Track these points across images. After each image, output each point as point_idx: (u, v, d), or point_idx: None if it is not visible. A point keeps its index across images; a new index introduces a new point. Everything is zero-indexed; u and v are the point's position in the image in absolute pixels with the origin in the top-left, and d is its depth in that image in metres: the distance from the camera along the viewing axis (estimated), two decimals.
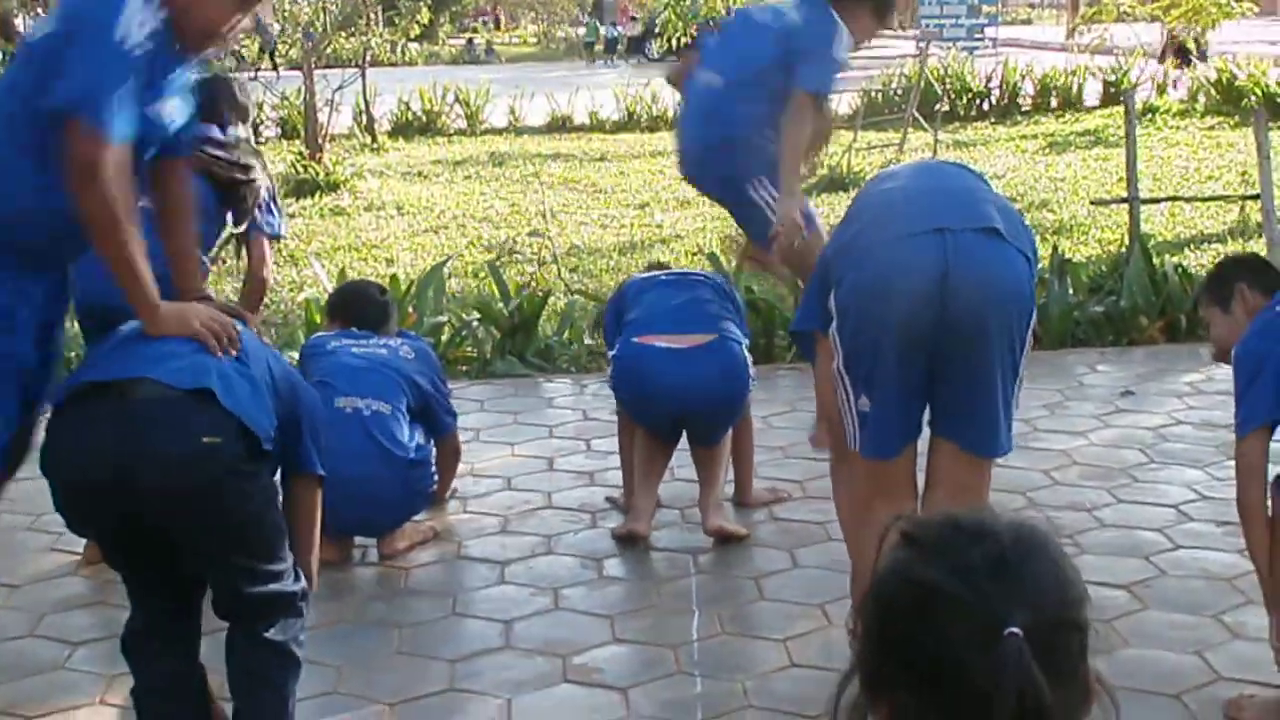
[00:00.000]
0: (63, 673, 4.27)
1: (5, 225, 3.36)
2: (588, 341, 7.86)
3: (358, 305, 5.52)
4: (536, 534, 5.29)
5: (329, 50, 19.00)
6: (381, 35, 20.84)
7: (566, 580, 4.86)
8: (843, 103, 19.42)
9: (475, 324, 8.02)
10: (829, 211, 13.04)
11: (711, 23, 22.01)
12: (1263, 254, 8.96)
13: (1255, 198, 9.73)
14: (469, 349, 7.89)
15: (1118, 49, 23.02)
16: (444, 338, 7.82)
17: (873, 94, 20.06)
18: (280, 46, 20.63)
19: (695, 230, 12.12)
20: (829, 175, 14.41)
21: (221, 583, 3.36)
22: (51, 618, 4.63)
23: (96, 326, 4.41)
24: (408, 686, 4.12)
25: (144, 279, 3.29)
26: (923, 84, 17.68)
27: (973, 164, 15.38)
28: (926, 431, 3.75)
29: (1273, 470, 3.75)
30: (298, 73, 17.73)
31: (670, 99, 19.34)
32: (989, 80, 21.36)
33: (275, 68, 23.18)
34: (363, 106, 19.09)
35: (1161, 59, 24.31)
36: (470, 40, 47.55)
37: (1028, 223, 10.71)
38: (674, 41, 22.53)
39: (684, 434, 5.35)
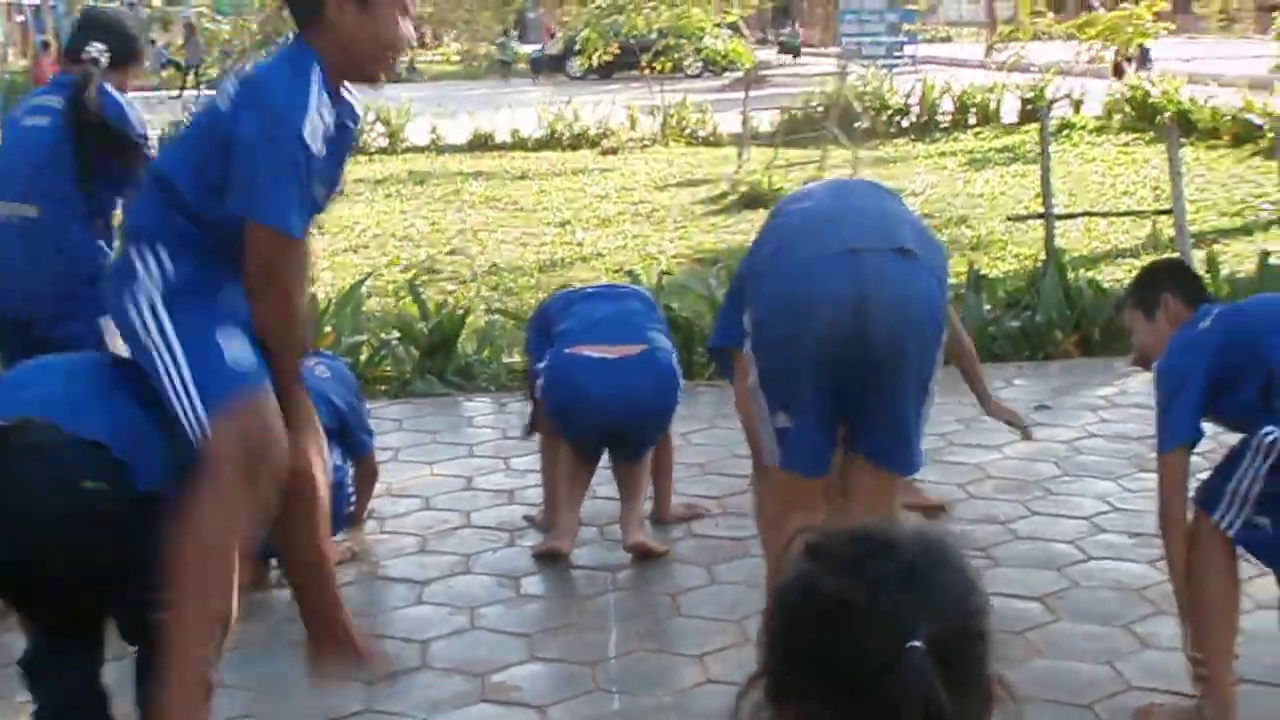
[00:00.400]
0: None
1: None
2: (507, 360, 7.85)
3: None
4: (455, 553, 5.28)
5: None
6: None
7: (484, 599, 4.85)
8: (763, 120, 19.60)
9: (394, 343, 7.99)
10: (749, 228, 13.13)
11: (634, 40, 22.10)
12: None
13: (1167, 213, 9.88)
14: (388, 368, 7.86)
15: (1034, 67, 23.30)
16: (363, 357, 7.78)
17: (793, 112, 20.18)
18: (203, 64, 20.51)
19: (616, 248, 12.15)
20: (750, 192, 14.49)
21: (124, 614, 3.31)
22: None
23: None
24: (324, 708, 4.09)
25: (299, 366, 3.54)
26: (842, 101, 17.80)
27: (892, 181, 15.56)
28: None
29: (1191, 485, 3.80)
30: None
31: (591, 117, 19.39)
32: (908, 97, 21.57)
33: (198, 86, 23.05)
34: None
35: (1115, 73, 24.70)
36: None
37: (946, 239, 10.86)
38: (594, 59, 22.59)
39: (605, 450, 5.35)
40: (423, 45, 55.72)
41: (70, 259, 4.83)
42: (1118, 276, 9.87)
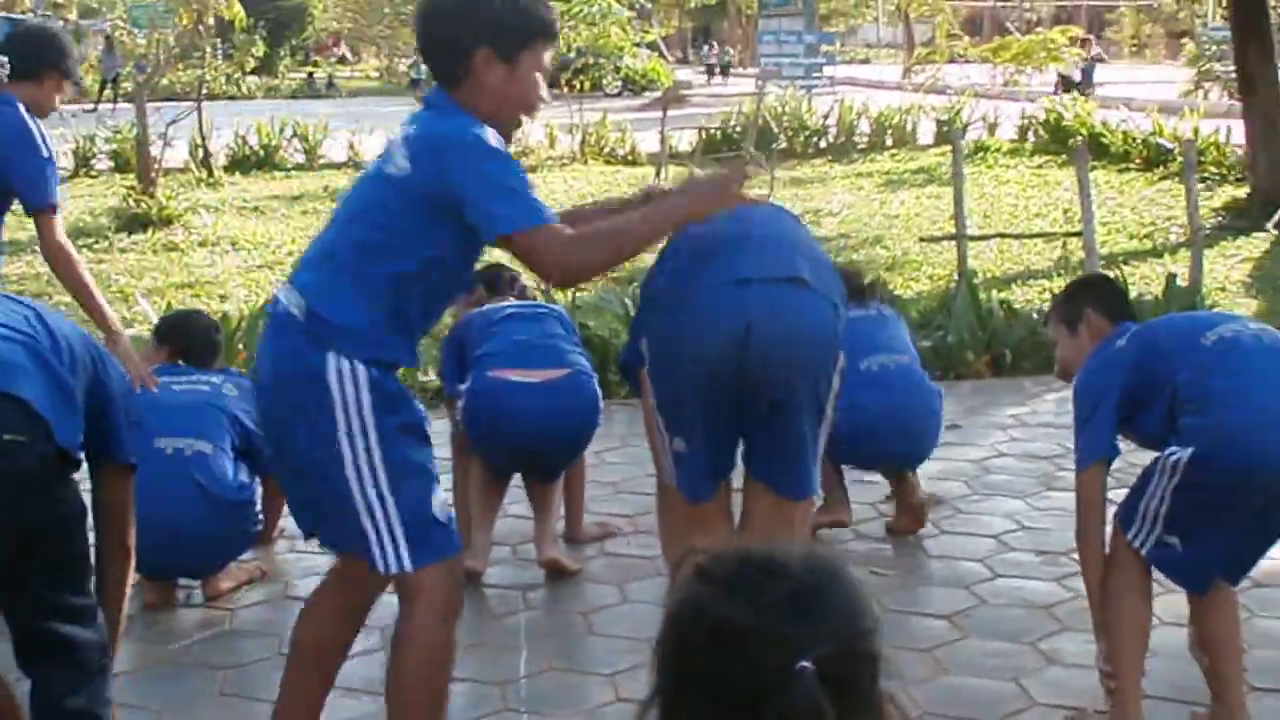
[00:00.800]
0: None
1: None
2: (423, 378, 7.81)
3: (188, 334, 5.45)
4: None
5: (164, 83, 18.71)
6: (218, 68, 20.57)
7: (393, 619, 4.79)
8: (682, 140, 19.67)
9: None
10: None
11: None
12: None
13: (1078, 234, 10.00)
14: None
15: (950, 89, 23.56)
16: None
17: (711, 131, 20.27)
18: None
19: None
20: None
21: (25, 612, 3.25)
22: None
23: None
24: None
25: (670, 218, 3.49)
26: (760, 122, 17.91)
27: (809, 201, 15.67)
28: None
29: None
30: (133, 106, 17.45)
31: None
32: (826, 118, 21.70)
33: (115, 99, 22.82)
34: (199, 140, 18.83)
35: (1056, 90, 25.15)
36: (311, 74, 47.11)
37: (862, 259, 10.95)
38: None
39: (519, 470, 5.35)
40: (341, 61, 55.58)
41: None
42: (1029, 297, 10.00)
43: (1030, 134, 20.88)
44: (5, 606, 3.31)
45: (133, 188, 15.17)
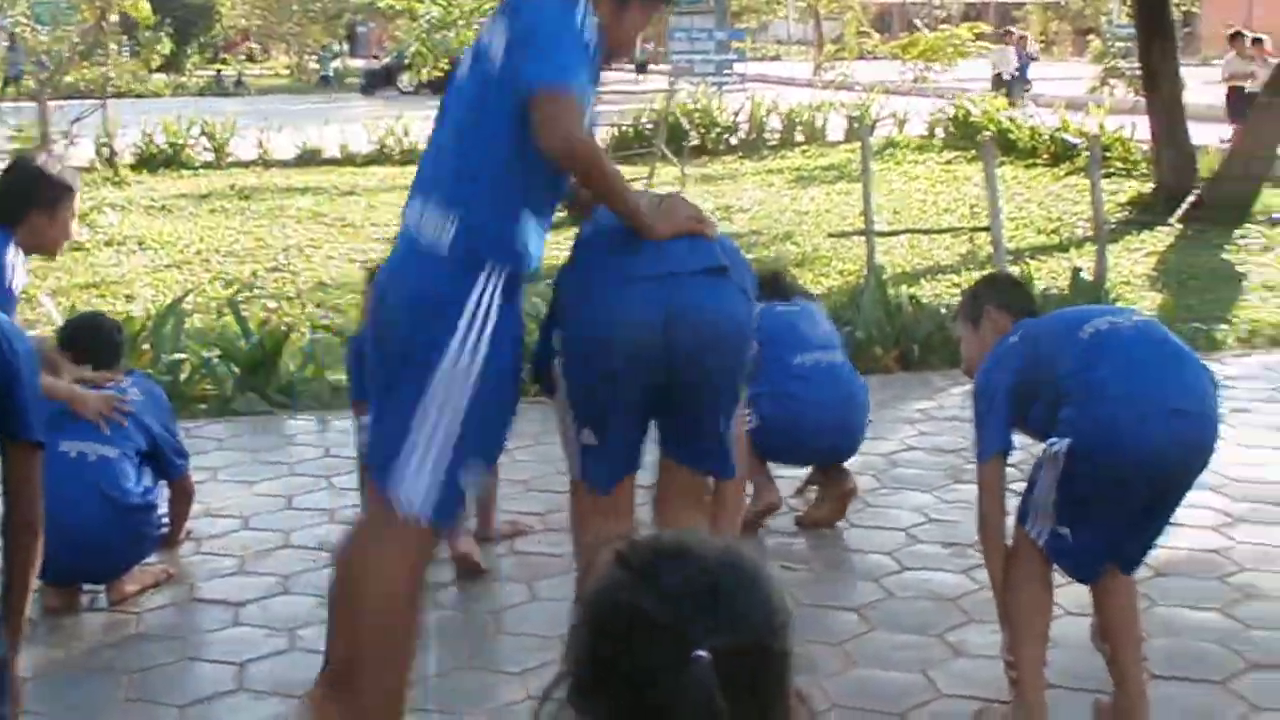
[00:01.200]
0: None
1: None
2: (331, 378, 7.76)
3: (91, 338, 5.37)
4: (274, 574, 5.21)
5: (68, 80, 18.46)
6: (124, 65, 20.31)
7: (303, 620, 4.78)
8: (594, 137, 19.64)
9: (215, 361, 7.85)
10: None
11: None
12: None
13: (985, 230, 10.10)
14: (208, 387, 7.72)
15: (860, 85, 23.72)
16: (183, 375, 7.65)
17: (622, 128, 20.28)
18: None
19: None
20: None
21: None
22: None
23: None
24: None
25: (631, 199, 3.56)
26: (671, 119, 17.94)
27: (720, 198, 15.72)
28: None
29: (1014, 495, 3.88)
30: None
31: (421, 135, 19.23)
32: (737, 115, 21.78)
33: (17, 97, 22.48)
34: (104, 138, 18.60)
35: (995, 87, 25.29)
36: (219, 72, 46.65)
37: (772, 255, 11.00)
38: (424, 74, 22.49)
39: None
40: (250, 59, 55.06)
41: None
42: (937, 292, 10.08)
43: (939, 130, 21.07)
44: None
45: None
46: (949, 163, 18.80)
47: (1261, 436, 6.68)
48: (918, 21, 43.71)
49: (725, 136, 21.45)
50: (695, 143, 19.93)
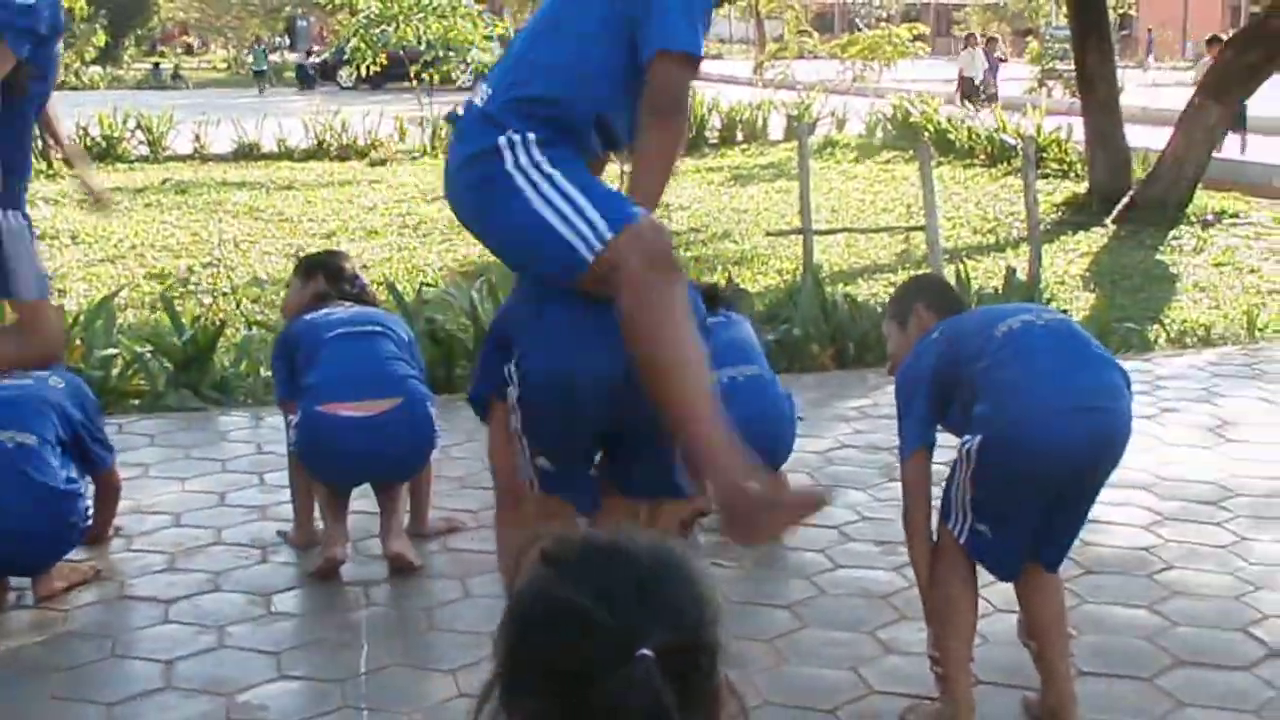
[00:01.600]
0: None
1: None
2: (265, 374, 7.70)
3: None
4: (204, 571, 5.16)
5: None
6: None
7: (233, 617, 4.75)
8: None
9: (147, 356, 7.78)
10: None
11: (403, 51, 21.96)
12: None
13: (921, 229, 10.16)
14: (140, 382, 7.65)
15: (801, 84, 23.81)
16: (115, 370, 7.58)
17: None
18: None
19: (381, 260, 12.05)
20: None
21: None
22: None
23: None
24: None
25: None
26: None
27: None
28: None
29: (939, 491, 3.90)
30: None
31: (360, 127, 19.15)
32: None
33: None
34: (36, 131, 18.38)
35: (957, 91, 25.16)
36: (156, 65, 46.27)
37: (711, 253, 11.02)
38: (364, 69, 22.39)
39: None
40: (188, 52, 54.70)
41: None
42: (874, 291, 10.14)
43: (879, 130, 21.16)
44: None
45: None
46: (888, 162, 18.90)
47: (1191, 435, 6.75)
48: (858, 21, 43.93)
49: None
50: None
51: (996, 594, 4.25)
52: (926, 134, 18.76)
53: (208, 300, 9.93)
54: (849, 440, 6.75)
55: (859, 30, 31.31)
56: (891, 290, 9.56)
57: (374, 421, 5.02)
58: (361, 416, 5.02)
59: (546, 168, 3.38)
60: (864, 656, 4.40)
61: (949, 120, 20.08)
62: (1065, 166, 17.20)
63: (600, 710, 1.50)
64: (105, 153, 19.82)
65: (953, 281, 8.66)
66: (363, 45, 22.04)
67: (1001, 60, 28.79)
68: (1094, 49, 14.91)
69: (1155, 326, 9.27)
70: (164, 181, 17.24)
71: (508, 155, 3.40)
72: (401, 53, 22.34)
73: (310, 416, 5.06)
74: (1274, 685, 4.19)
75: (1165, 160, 14.46)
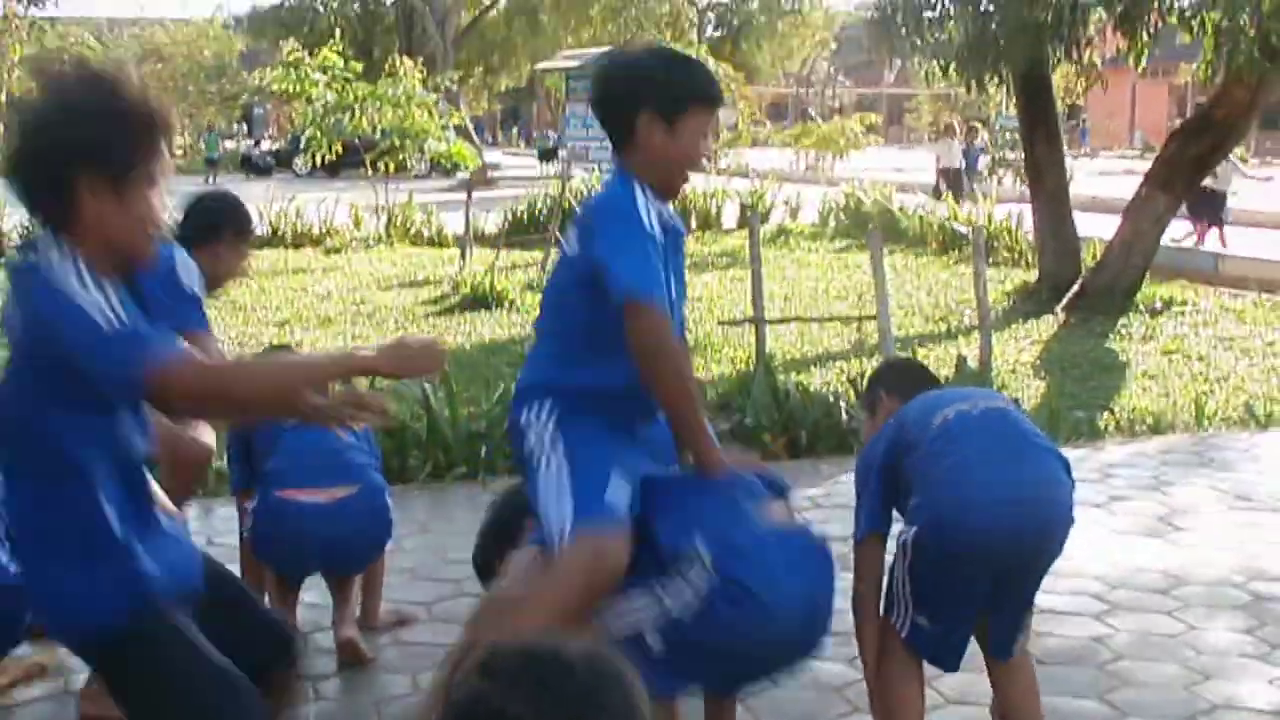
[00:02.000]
0: None
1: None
2: (217, 464, 7.64)
3: None
4: None
5: None
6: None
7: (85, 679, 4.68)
8: (488, 221, 19.72)
9: None
10: (470, 330, 13.16)
11: (359, 139, 22.04)
12: None
13: (873, 318, 10.23)
14: None
15: (754, 173, 24.01)
16: None
17: (518, 213, 20.35)
18: None
19: (335, 349, 12.02)
20: (472, 293, 14.53)
21: None
22: None
23: None
24: None
25: (708, 432, 3.68)
26: (565, 204, 18.03)
27: None
28: None
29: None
30: None
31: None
32: None
33: None
34: None
35: (938, 184, 24.95)
36: None
37: None
38: (319, 157, 22.44)
39: None
40: None
41: None
42: (827, 379, 10.17)
43: (831, 218, 21.34)
44: None
45: None
46: (841, 251, 19.04)
47: (1141, 524, 6.79)
48: (811, 110, 44.39)
49: None
50: None
51: (947, 686, 4.25)
52: (872, 224, 18.93)
53: None
54: None
55: (812, 120, 31.62)
56: (845, 379, 9.65)
57: (331, 508, 5.01)
58: (319, 503, 5.00)
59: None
60: None
61: (900, 209, 20.27)
62: (1016, 254, 17.39)
63: None
64: None
65: None
66: (318, 134, 22.11)
67: (983, 149, 28.60)
68: (1042, 139, 15.12)
69: (1105, 414, 9.34)
70: None
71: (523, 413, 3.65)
72: (357, 141, 22.44)
73: (268, 501, 5.04)
74: None
75: (1114, 249, 14.63)
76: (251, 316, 13.94)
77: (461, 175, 29.25)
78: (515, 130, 74.42)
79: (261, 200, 21.99)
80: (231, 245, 5.18)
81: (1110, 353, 12.12)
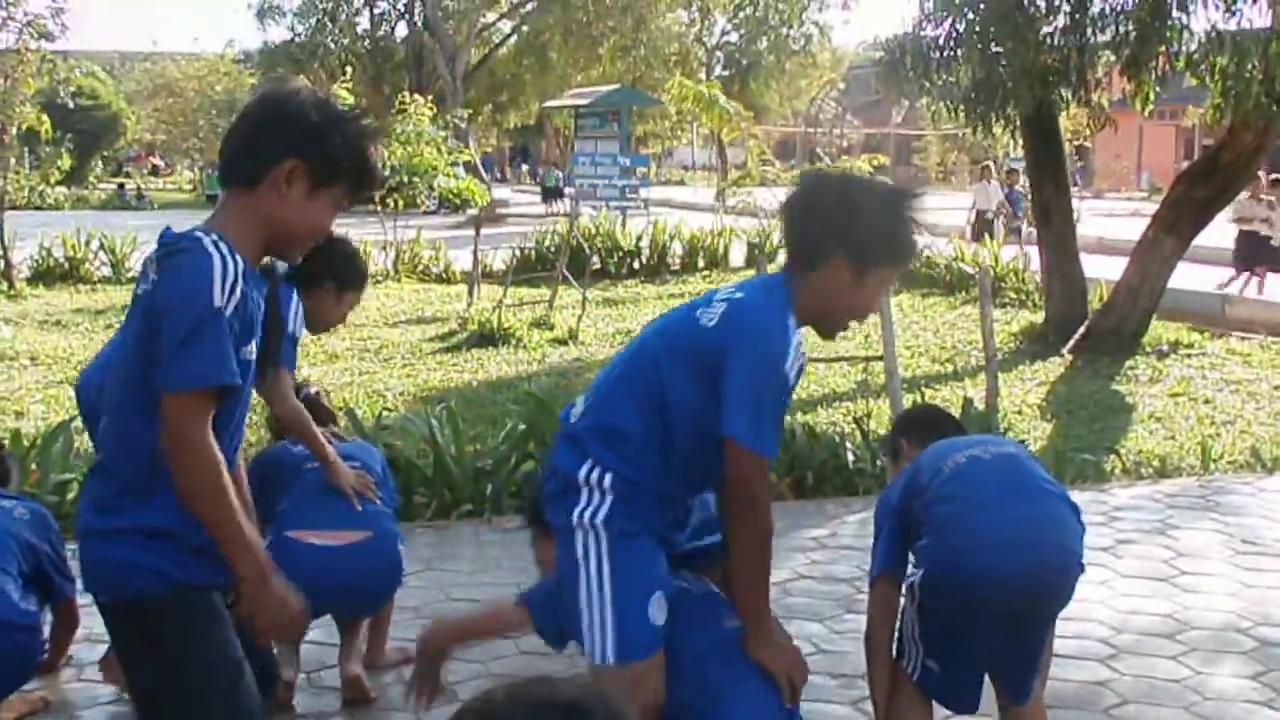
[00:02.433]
0: None
1: None
2: None
3: None
4: None
5: None
6: (26, 177, 20.18)
7: None
8: (496, 258, 19.76)
9: None
10: (477, 366, 13.17)
11: None
12: (887, 411, 9.42)
13: (879, 358, 10.22)
14: None
15: (763, 212, 24.03)
16: (70, 496, 7.52)
17: (525, 250, 20.40)
18: None
19: (342, 385, 12.04)
20: (479, 330, 14.56)
21: None
22: None
23: None
24: None
25: (768, 598, 3.59)
26: (573, 242, 18.08)
27: (621, 321, 15.81)
28: None
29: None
30: None
31: None
32: (639, 239, 21.99)
33: None
34: (0, 251, 18.44)
35: (968, 227, 24.63)
36: (121, 186, 46.45)
37: None
38: None
39: None
40: (154, 173, 54.92)
41: None
42: (833, 420, 10.17)
43: None
44: None
45: None
46: None
47: (1146, 568, 6.78)
48: (819, 150, 44.50)
49: (628, 260, 21.63)
50: (597, 266, 20.06)
51: None
52: None
53: None
54: (806, 571, 6.74)
55: (820, 159, 31.70)
56: (851, 420, 9.66)
57: (342, 551, 4.99)
58: (330, 546, 4.98)
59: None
60: None
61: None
62: (1022, 296, 17.39)
63: None
64: (68, 274, 19.82)
65: None
66: None
67: (1023, 193, 28.01)
68: (1050, 181, 15.15)
69: (1111, 457, 9.33)
70: (127, 304, 17.22)
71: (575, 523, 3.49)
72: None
73: (279, 542, 5.03)
74: None
75: (1120, 291, 14.64)
76: None
77: (470, 212, 29.31)
78: (524, 167, 74.62)
79: None
80: (332, 294, 5.18)
81: (1116, 395, 12.12)
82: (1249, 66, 12.38)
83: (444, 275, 20.91)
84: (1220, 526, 7.56)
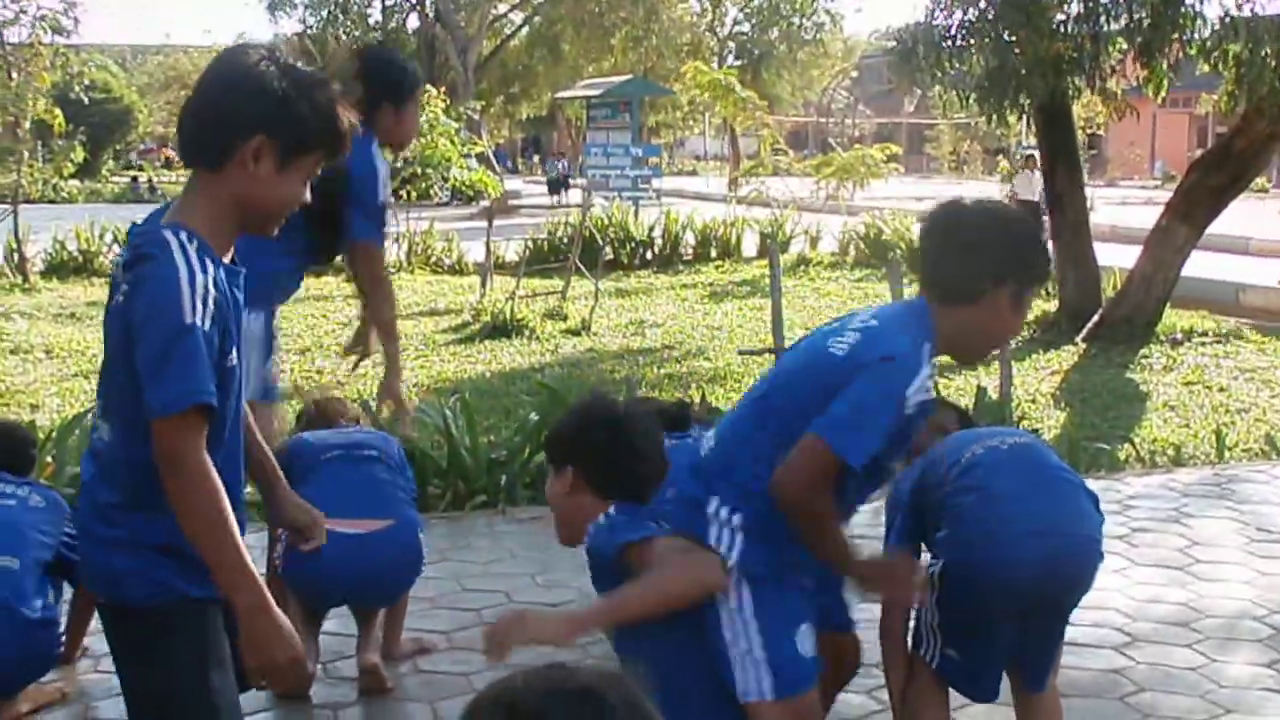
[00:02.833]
0: None
1: None
2: (247, 491, 7.66)
3: (4, 445, 5.29)
4: None
5: None
6: (39, 171, 20.22)
7: None
8: (509, 249, 19.76)
9: None
10: (490, 358, 13.19)
11: None
12: None
13: None
14: None
15: (775, 201, 24.03)
16: None
17: (537, 241, 20.40)
18: None
19: (356, 377, 12.03)
20: (492, 321, 14.57)
21: None
22: None
23: None
24: None
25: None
26: (586, 233, 18.07)
27: (634, 311, 15.81)
28: None
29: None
30: None
31: None
32: (652, 230, 21.98)
33: None
34: (13, 245, 18.47)
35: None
36: (134, 178, 46.51)
37: (685, 370, 10.99)
38: None
39: None
40: (167, 166, 54.98)
41: None
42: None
43: (851, 248, 21.35)
44: None
45: None
46: (860, 280, 19.04)
47: (1162, 556, 6.77)
48: (832, 140, 44.45)
49: (640, 251, 21.63)
50: (610, 257, 20.07)
51: (969, 717, 4.24)
52: (896, 252, 18.93)
53: None
54: None
55: (832, 149, 31.66)
56: None
57: (364, 540, 5.00)
58: (352, 534, 4.99)
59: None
60: None
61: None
62: None
63: None
64: (82, 267, 19.84)
65: None
66: None
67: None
68: (1063, 170, 15.12)
69: (1125, 446, 9.32)
70: None
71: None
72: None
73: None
74: None
75: (1134, 279, 14.62)
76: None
77: (483, 203, 29.33)
78: (537, 158, 74.65)
79: None
80: (390, 114, 5.53)
81: (1130, 383, 12.10)
82: (1263, 53, 12.36)
83: (457, 267, 20.90)
84: (1235, 515, 7.54)
